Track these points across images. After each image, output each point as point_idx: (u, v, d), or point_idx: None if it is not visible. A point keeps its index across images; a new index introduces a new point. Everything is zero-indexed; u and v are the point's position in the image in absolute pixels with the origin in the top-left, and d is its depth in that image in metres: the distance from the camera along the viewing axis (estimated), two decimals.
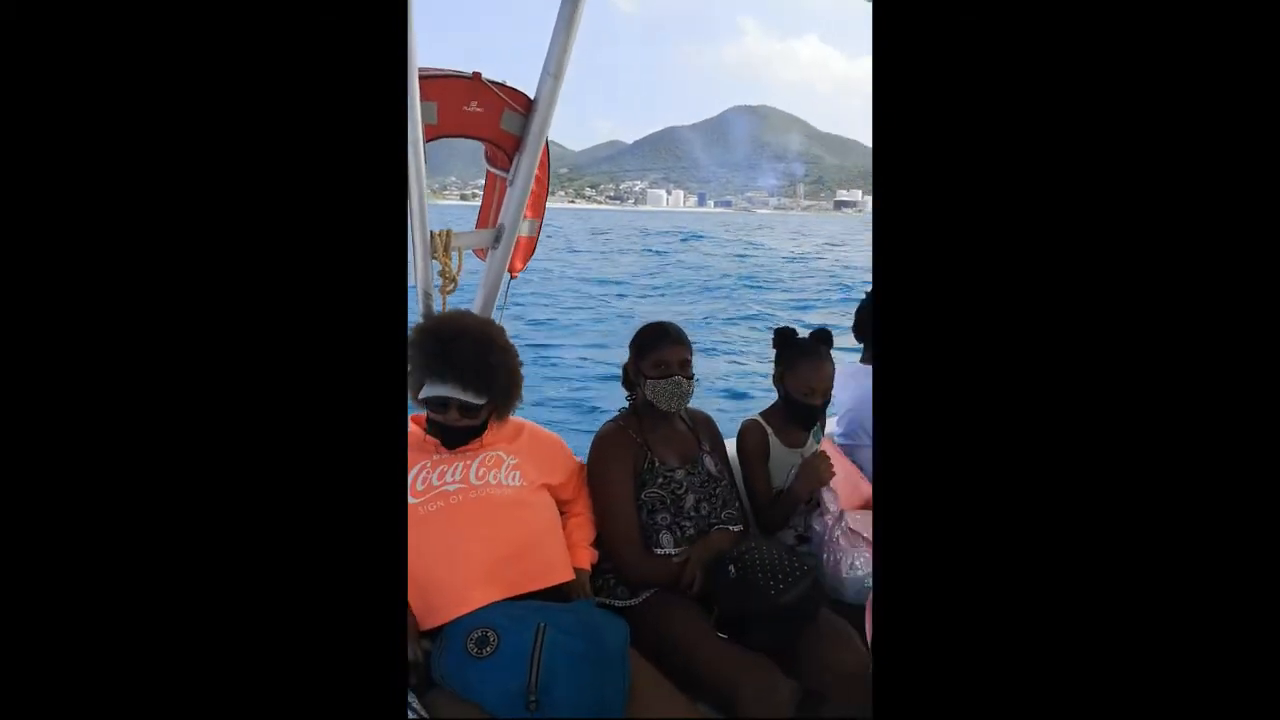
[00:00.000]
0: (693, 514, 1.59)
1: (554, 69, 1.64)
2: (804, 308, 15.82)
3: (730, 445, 1.82)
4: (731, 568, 1.44)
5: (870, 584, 1.55)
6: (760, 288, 19.38)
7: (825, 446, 1.76)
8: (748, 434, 1.78)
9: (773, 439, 1.77)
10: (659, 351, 1.60)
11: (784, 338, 1.77)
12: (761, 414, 1.82)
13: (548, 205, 1.95)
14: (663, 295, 17.44)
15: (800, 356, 1.73)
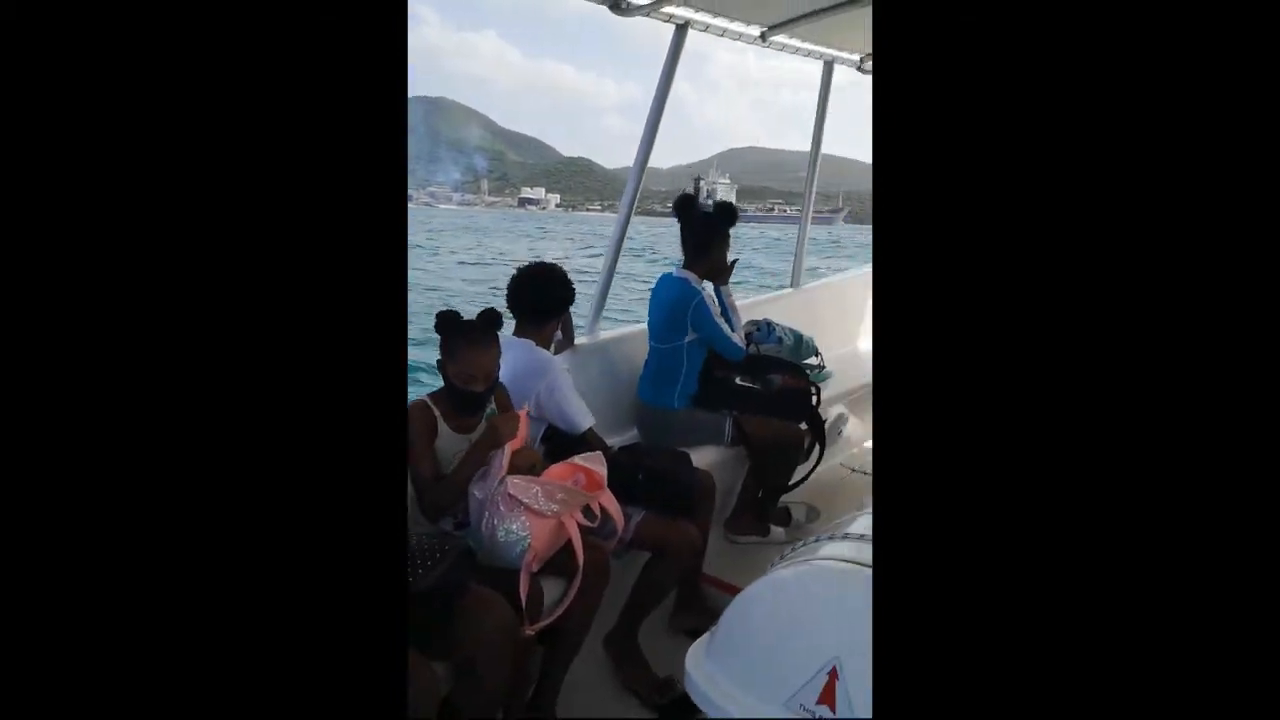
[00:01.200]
0: None
1: None
2: None
3: None
4: None
5: (523, 547, 1.54)
6: None
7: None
8: (412, 416, 1.65)
9: (441, 423, 1.67)
10: None
11: (446, 321, 1.64)
12: (430, 395, 1.71)
13: None
14: None
15: (462, 342, 1.64)
